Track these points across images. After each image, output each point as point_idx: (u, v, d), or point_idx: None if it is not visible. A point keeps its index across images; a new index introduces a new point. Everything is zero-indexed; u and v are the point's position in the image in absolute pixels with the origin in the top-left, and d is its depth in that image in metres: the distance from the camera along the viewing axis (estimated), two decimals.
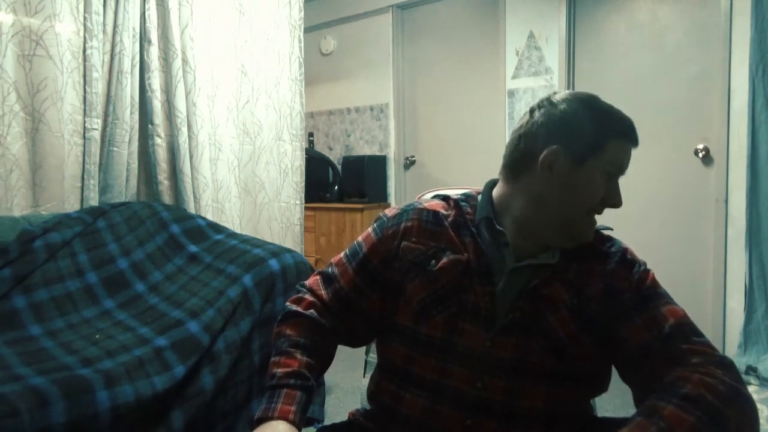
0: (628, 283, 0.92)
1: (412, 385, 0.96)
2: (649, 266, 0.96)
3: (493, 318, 0.92)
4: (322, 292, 1.06)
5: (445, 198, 1.07)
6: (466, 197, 1.04)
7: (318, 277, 1.10)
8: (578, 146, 0.92)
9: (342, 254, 1.10)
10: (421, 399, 0.94)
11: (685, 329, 0.87)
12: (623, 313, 0.90)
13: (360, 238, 1.09)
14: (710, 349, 0.84)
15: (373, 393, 1.05)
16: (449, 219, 1.01)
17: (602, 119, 0.93)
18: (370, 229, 1.08)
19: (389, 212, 1.08)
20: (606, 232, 1.01)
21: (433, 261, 0.96)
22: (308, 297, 1.06)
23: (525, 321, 0.91)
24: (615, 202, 0.94)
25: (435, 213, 1.02)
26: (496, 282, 0.94)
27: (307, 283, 1.10)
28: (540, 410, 0.90)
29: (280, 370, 0.93)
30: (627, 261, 0.95)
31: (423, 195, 1.34)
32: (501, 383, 0.90)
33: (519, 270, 0.94)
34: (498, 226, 0.96)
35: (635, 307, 0.90)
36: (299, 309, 1.03)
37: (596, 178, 0.92)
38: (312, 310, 1.03)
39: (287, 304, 1.06)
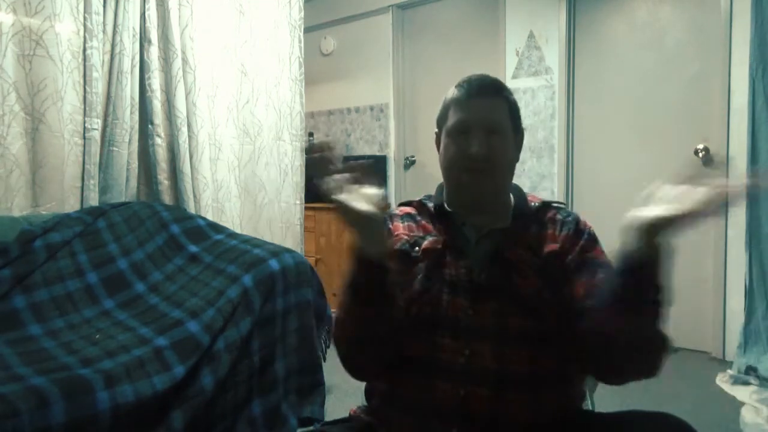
0: (576, 249, 1.02)
1: (405, 364, 1.00)
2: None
3: (472, 288, 1.00)
4: None
5: (410, 203, 1.17)
6: (429, 197, 1.16)
7: None
8: (440, 121, 1.11)
9: None
10: (414, 376, 0.98)
11: None
12: (569, 273, 1.00)
13: None
14: None
15: (369, 387, 1.09)
16: (420, 215, 1.13)
17: (450, 94, 1.10)
18: None
19: None
20: (560, 203, 1.14)
21: (417, 248, 1.06)
22: None
23: (498, 285, 0.99)
24: (468, 152, 1.02)
25: (408, 214, 1.14)
26: (468, 255, 1.03)
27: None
28: (526, 374, 0.95)
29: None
30: (579, 230, 1.05)
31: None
32: (487, 349, 0.96)
33: (484, 240, 1.04)
34: (449, 208, 1.08)
35: (578, 270, 1.00)
36: None
37: (449, 140, 1.06)
38: None
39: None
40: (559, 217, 1.08)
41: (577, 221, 1.07)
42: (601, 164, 3.39)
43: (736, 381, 2.53)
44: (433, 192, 1.17)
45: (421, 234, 1.09)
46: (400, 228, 1.11)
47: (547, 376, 0.97)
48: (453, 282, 1.01)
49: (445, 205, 1.09)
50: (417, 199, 1.18)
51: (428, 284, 1.01)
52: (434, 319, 0.99)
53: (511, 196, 1.12)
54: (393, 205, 1.18)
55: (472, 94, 1.06)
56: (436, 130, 1.14)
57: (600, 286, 0.95)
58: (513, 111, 1.10)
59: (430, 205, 1.13)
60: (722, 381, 2.57)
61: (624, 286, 0.84)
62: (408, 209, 1.16)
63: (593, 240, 1.05)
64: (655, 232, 0.80)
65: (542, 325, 0.97)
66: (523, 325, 0.96)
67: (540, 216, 1.08)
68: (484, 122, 1.04)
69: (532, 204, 1.11)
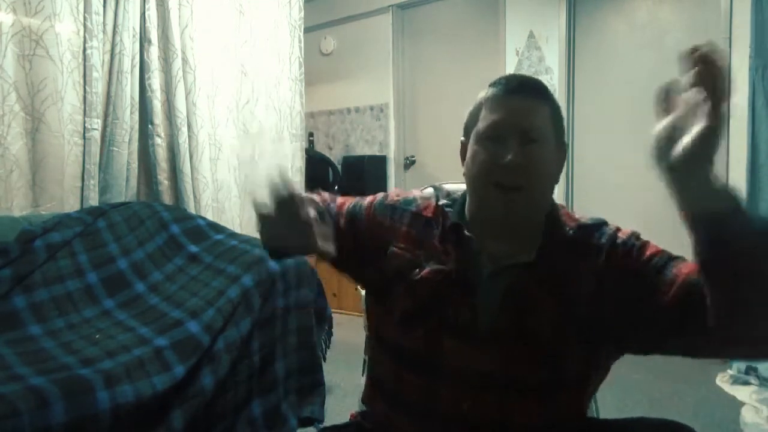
0: (614, 265, 0.84)
1: (401, 406, 0.93)
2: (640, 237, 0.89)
3: (475, 331, 0.87)
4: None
5: (428, 200, 1.00)
6: (453, 202, 0.99)
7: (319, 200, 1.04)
8: (468, 127, 0.93)
9: (344, 206, 1.05)
10: (411, 421, 0.91)
11: (691, 290, 0.76)
12: (615, 299, 0.83)
13: (365, 203, 1.04)
14: None
15: (367, 401, 1.04)
16: (438, 226, 0.95)
17: (482, 93, 0.92)
18: (373, 205, 1.02)
19: (392, 197, 1.02)
20: (593, 221, 0.92)
21: (417, 270, 0.91)
22: None
23: (509, 333, 0.85)
24: (500, 161, 0.85)
25: (428, 219, 0.97)
26: (476, 291, 0.88)
27: None
28: (534, 422, 0.86)
29: None
30: (613, 243, 0.86)
31: (425, 189, 1.32)
32: (489, 399, 0.86)
33: (498, 275, 0.88)
34: (467, 233, 0.91)
35: (628, 285, 0.82)
36: None
37: (478, 146, 0.89)
38: None
39: None
40: (594, 240, 0.88)
41: (613, 237, 0.87)
42: (601, 164, 3.39)
43: (736, 381, 2.53)
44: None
45: (427, 255, 0.92)
46: (404, 233, 0.96)
47: (558, 421, 0.88)
48: (454, 323, 0.87)
49: (464, 230, 0.91)
50: (441, 198, 0.99)
51: (422, 321, 0.89)
52: (430, 361, 0.88)
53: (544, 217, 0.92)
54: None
55: (510, 93, 0.88)
56: (462, 138, 0.94)
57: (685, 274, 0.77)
58: (557, 119, 0.91)
59: (447, 210, 0.96)
60: (722, 381, 2.57)
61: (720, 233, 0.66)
62: (426, 210, 0.98)
63: (637, 244, 0.85)
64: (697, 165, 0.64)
65: (559, 372, 0.86)
66: (536, 374, 0.85)
67: (576, 243, 0.89)
68: (522, 126, 0.86)
69: (568, 228, 0.90)
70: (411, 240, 0.95)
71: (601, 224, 0.91)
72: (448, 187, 1.16)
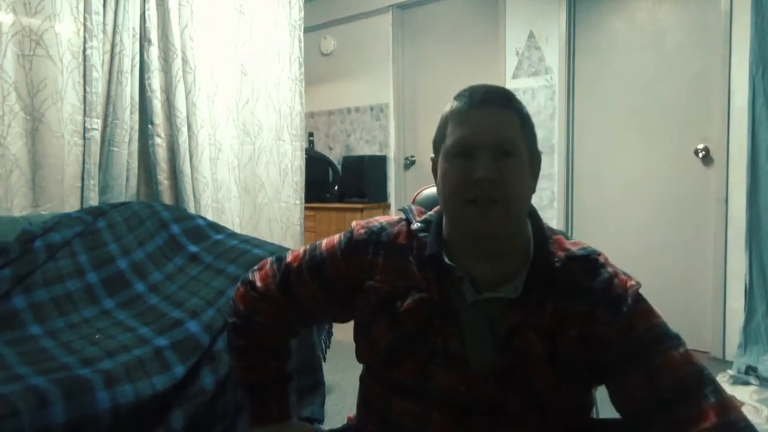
0: (613, 331, 0.82)
1: (394, 428, 0.91)
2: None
3: (464, 361, 0.85)
4: (277, 306, 1.02)
5: (398, 227, 0.96)
6: (427, 225, 0.93)
7: (273, 282, 1.02)
8: (437, 143, 0.89)
9: (302, 262, 1.00)
10: None
11: (687, 386, 0.78)
12: (611, 365, 0.82)
13: (324, 249, 0.99)
14: (715, 408, 0.77)
15: (360, 419, 1.01)
16: (414, 252, 0.91)
17: (448, 108, 0.88)
18: (336, 249, 0.98)
19: (358, 231, 0.97)
20: (592, 256, 0.88)
21: (399, 302, 0.89)
22: (259, 319, 1.03)
23: (500, 374, 0.84)
24: (471, 178, 0.82)
25: (402, 247, 0.93)
26: (461, 319, 0.86)
27: (258, 287, 1.03)
28: None
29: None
30: (612, 299, 0.84)
31: (422, 191, 1.33)
32: (482, 426, 0.85)
33: (483, 305, 0.86)
34: (447, 260, 0.87)
35: (625, 360, 0.81)
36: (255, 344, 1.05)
37: (448, 164, 0.85)
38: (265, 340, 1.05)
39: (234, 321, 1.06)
40: (588, 279, 0.85)
41: (609, 285, 0.84)
42: (601, 164, 3.39)
43: (736, 381, 2.53)
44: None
45: (407, 284, 0.89)
46: (381, 265, 0.92)
47: None
48: (442, 353, 0.86)
49: (444, 257, 0.88)
50: (413, 221, 0.95)
51: (409, 352, 0.87)
52: (419, 390, 0.87)
53: (532, 242, 0.88)
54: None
55: (476, 105, 0.85)
56: (432, 155, 0.91)
57: (657, 381, 0.78)
58: (527, 128, 0.87)
59: (422, 236, 0.92)
60: (722, 381, 2.57)
61: None
62: (399, 237, 0.94)
63: (637, 310, 0.83)
64: None
65: (552, 412, 0.86)
66: (528, 412, 0.85)
67: (564, 278, 0.86)
68: (491, 139, 0.82)
69: (556, 260, 0.86)
70: (389, 271, 0.92)
71: (593, 261, 0.87)
72: (420, 195, 1.14)
